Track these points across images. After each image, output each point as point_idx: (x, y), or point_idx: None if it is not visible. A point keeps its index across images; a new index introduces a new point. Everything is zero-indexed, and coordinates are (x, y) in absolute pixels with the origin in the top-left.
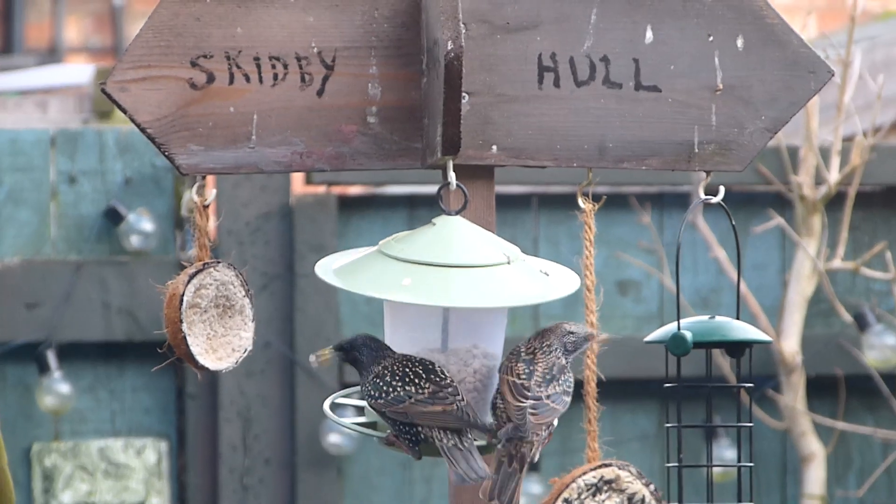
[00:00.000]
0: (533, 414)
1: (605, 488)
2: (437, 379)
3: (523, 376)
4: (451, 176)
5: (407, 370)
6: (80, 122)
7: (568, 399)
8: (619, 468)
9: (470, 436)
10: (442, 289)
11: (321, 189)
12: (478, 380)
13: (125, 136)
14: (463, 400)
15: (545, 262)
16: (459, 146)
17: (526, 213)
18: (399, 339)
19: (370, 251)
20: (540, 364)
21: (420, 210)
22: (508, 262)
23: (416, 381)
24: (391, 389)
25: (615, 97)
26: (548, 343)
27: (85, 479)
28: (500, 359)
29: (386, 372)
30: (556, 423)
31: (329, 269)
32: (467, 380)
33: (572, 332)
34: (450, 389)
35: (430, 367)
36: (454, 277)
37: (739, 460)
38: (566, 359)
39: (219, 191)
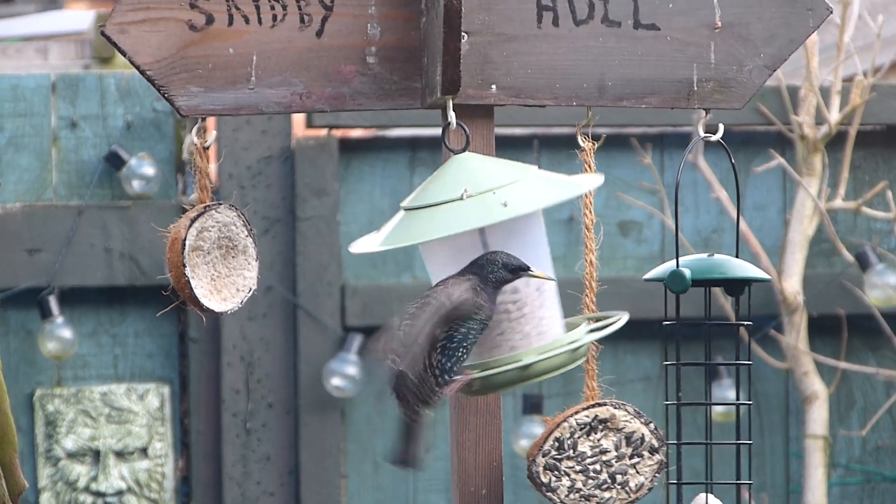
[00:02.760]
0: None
1: (600, 427)
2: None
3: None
4: (451, 115)
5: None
6: (80, 67)
7: None
8: (615, 407)
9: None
10: (526, 196)
11: (322, 132)
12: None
13: (126, 81)
14: (401, 364)
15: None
16: (459, 85)
17: (527, 155)
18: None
19: (400, 215)
20: None
21: (421, 153)
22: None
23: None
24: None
25: (614, 36)
26: None
27: (88, 424)
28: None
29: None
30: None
31: (378, 241)
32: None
33: None
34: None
35: (418, 307)
36: (512, 190)
37: (738, 399)
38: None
39: (219, 135)
